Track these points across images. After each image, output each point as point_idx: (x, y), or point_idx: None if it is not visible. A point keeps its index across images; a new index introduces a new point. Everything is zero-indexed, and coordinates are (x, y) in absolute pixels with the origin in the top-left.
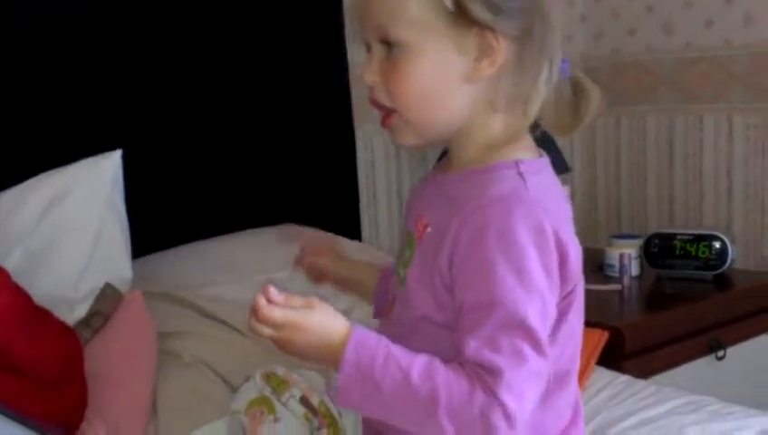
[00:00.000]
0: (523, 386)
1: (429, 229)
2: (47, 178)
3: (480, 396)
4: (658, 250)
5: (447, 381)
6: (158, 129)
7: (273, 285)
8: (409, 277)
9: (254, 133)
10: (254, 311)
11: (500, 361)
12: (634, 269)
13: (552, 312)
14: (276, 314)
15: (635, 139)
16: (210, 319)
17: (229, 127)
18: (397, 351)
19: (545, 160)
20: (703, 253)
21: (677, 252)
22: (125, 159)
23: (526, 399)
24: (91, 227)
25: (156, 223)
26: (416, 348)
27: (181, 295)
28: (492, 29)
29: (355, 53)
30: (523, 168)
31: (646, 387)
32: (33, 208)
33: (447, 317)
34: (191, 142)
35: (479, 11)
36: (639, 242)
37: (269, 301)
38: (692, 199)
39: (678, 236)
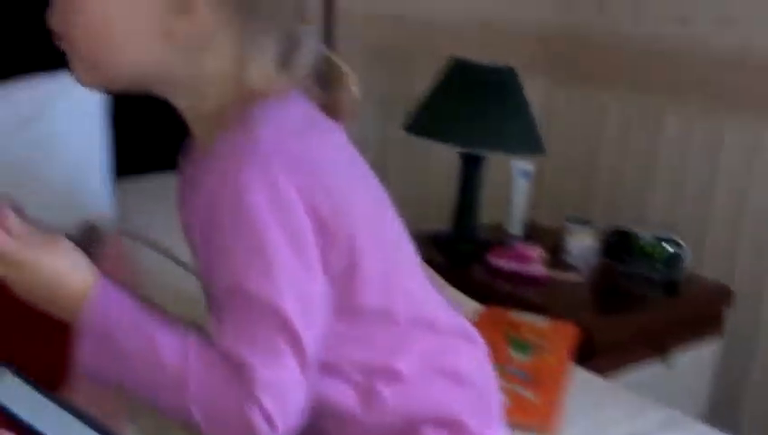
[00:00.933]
0: (283, 387)
1: (197, 229)
2: (24, 87)
3: (236, 390)
4: (617, 245)
5: (202, 364)
6: None
7: (13, 210)
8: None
9: None
10: None
11: (254, 358)
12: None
13: (315, 290)
14: (3, 246)
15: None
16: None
17: None
18: (148, 317)
19: (295, 96)
20: (660, 254)
21: (636, 250)
22: None
23: (289, 401)
24: (74, 150)
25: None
26: None
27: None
28: None
29: None
30: (255, 111)
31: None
32: (8, 119)
33: None
34: None
35: None
36: (592, 230)
37: (3, 226)
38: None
39: (640, 236)
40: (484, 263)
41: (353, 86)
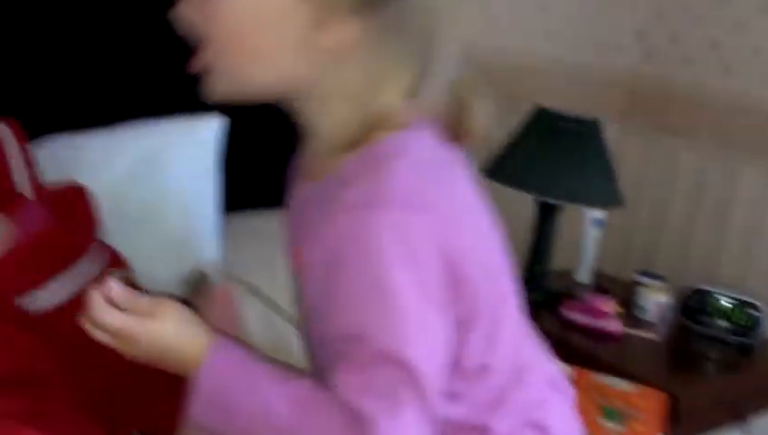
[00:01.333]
0: None
1: (308, 260)
2: (140, 133)
3: None
4: (697, 306)
5: (318, 414)
6: None
7: (117, 281)
8: (304, 315)
9: None
10: (87, 311)
11: (376, 408)
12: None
13: (441, 339)
14: (108, 320)
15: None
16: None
17: None
18: (261, 372)
19: (427, 134)
20: (738, 317)
21: (713, 311)
22: None
23: None
24: (186, 197)
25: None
26: None
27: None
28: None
29: None
30: (381, 155)
31: None
32: (123, 166)
33: None
34: None
35: None
36: (665, 285)
37: (108, 301)
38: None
39: (717, 296)
40: (557, 314)
41: (485, 108)
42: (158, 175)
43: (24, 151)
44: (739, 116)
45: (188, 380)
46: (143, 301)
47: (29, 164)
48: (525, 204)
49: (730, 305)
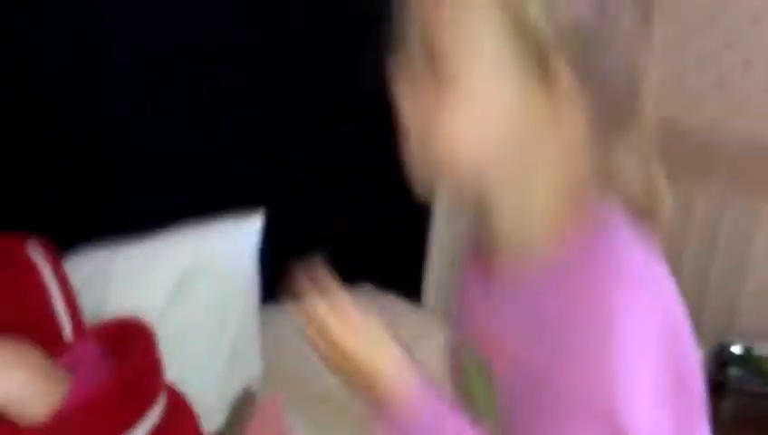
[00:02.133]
0: None
1: (515, 350)
2: (176, 244)
3: None
4: (728, 362)
5: None
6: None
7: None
8: (501, 408)
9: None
10: (323, 327)
11: None
12: None
13: (663, 428)
14: (349, 343)
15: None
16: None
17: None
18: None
19: (616, 208)
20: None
21: (753, 366)
22: None
23: None
24: (233, 312)
25: None
26: None
27: (303, 391)
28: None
29: None
30: (608, 240)
31: None
32: (161, 284)
33: None
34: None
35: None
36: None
37: (342, 318)
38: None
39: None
40: None
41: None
42: (199, 288)
43: (61, 279)
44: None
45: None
46: (372, 329)
47: (67, 294)
48: None
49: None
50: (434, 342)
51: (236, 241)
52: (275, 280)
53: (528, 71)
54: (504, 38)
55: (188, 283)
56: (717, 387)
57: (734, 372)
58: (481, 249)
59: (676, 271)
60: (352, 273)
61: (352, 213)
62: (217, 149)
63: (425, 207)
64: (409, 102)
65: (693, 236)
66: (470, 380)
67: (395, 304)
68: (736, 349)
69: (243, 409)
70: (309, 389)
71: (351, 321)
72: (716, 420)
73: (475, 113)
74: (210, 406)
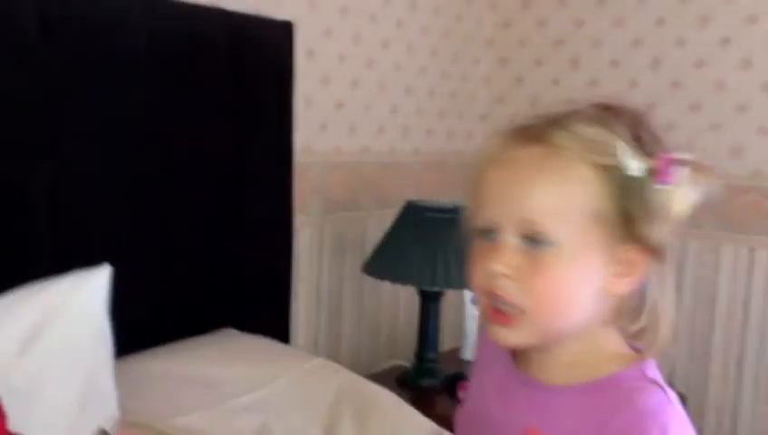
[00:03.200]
0: None
1: None
2: (24, 300)
3: None
4: None
5: None
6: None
7: None
8: None
9: (190, 227)
10: None
11: None
12: None
13: None
14: None
15: None
16: None
17: (166, 226)
18: None
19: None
20: None
21: None
22: None
23: None
24: (83, 361)
25: None
26: None
27: (163, 429)
28: (645, 247)
29: (298, 141)
30: (650, 375)
31: None
32: (11, 338)
33: None
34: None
35: (660, 233)
36: None
37: None
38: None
39: None
40: (456, 398)
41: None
42: (49, 340)
43: None
44: None
45: None
46: None
47: None
48: (408, 294)
49: None
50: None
51: (85, 294)
52: (130, 333)
53: (614, 238)
54: (599, 201)
55: (38, 336)
56: None
57: None
58: (519, 359)
59: None
60: (215, 319)
61: (208, 260)
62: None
63: (284, 249)
64: (510, 277)
65: None
66: None
67: (261, 343)
68: None
69: None
70: (161, 430)
71: None
72: None
73: (572, 280)
74: None
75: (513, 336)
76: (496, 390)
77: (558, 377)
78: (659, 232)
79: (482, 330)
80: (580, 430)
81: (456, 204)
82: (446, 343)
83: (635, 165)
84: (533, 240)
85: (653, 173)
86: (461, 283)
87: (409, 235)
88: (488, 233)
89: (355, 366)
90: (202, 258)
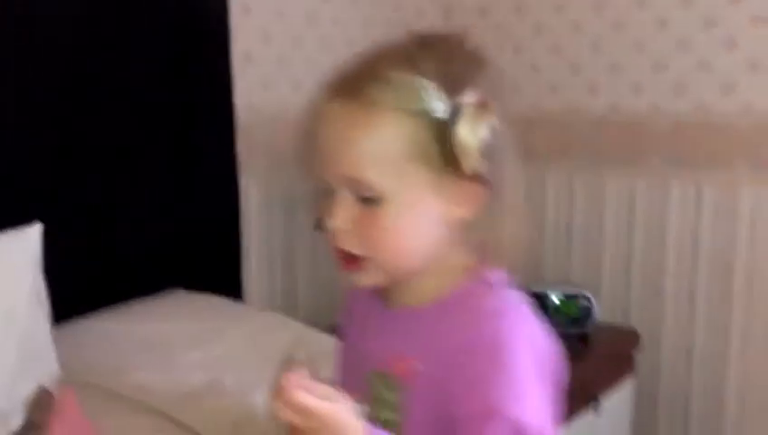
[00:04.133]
0: None
1: (421, 367)
2: None
3: None
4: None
5: None
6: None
7: (299, 365)
8: (409, 422)
9: (135, 189)
10: (280, 392)
11: None
12: None
13: (550, 426)
14: (310, 402)
15: None
16: (146, 414)
17: (111, 187)
18: None
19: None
20: (571, 311)
21: (549, 310)
22: None
23: None
24: (16, 317)
25: None
26: None
27: (109, 387)
28: (477, 178)
29: (242, 97)
30: (494, 281)
31: None
32: None
33: None
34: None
35: (475, 165)
36: None
37: (299, 385)
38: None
39: (550, 294)
40: None
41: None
42: None
43: None
44: None
45: None
46: (321, 386)
47: None
48: None
49: (560, 301)
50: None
51: (16, 252)
52: (73, 298)
53: (441, 171)
54: (416, 146)
55: None
56: None
57: None
58: (378, 293)
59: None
60: (165, 280)
61: (152, 221)
62: None
63: (232, 209)
64: (349, 231)
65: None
66: (377, 394)
67: (211, 301)
68: None
69: (39, 406)
70: (109, 389)
71: (314, 389)
72: None
73: (408, 224)
74: (2, 409)
75: (363, 279)
76: (367, 325)
77: (415, 301)
78: (472, 164)
79: (350, 300)
80: (439, 345)
81: None
82: None
83: (439, 107)
84: (364, 197)
85: (455, 112)
86: None
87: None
88: (326, 189)
89: (312, 324)
90: (145, 219)
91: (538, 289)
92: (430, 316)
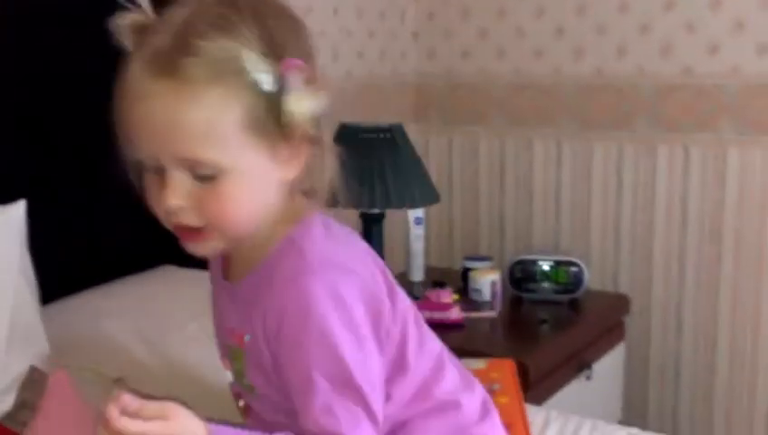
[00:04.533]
0: None
1: (248, 337)
2: None
3: None
4: (521, 275)
5: None
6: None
7: (126, 392)
8: (257, 385)
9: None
10: (105, 423)
11: (343, 428)
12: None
13: (378, 370)
14: (131, 427)
15: (467, 159)
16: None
17: (94, 166)
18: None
19: (326, 219)
20: (561, 277)
21: (539, 277)
22: None
23: None
24: (4, 295)
25: None
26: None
27: (100, 365)
28: (307, 139)
29: None
30: (296, 238)
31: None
32: None
33: None
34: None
35: (308, 131)
36: (491, 264)
37: (122, 411)
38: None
39: (540, 262)
40: None
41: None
42: None
43: None
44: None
45: None
46: (151, 406)
47: None
48: (351, 219)
49: (550, 268)
50: None
51: (1, 228)
52: (59, 277)
53: (274, 138)
54: (244, 117)
55: None
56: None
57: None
58: (225, 266)
59: (475, 205)
60: (154, 256)
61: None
62: None
63: None
64: (189, 211)
65: (483, 174)
66: (234, 365)
67: (203, 275)
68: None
69: (31, 387)
70: (100, 368)
71: (143, 409)
72: None
73: (247, 193)
74: None
75: (202, 248)
76: (216, 297)
77: (240, 274)
78: (305, 131)
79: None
80: (257, 315)
81: (392, 123)
82: (394, 267)
83: (263, 78)
84: (198, 175)
85: (280, 80)
86: (401, 202)
87: (345, 157)
88: (155, 166)
89: None
90: (129, 195)
91: (528, 257)
92: (249, 288)
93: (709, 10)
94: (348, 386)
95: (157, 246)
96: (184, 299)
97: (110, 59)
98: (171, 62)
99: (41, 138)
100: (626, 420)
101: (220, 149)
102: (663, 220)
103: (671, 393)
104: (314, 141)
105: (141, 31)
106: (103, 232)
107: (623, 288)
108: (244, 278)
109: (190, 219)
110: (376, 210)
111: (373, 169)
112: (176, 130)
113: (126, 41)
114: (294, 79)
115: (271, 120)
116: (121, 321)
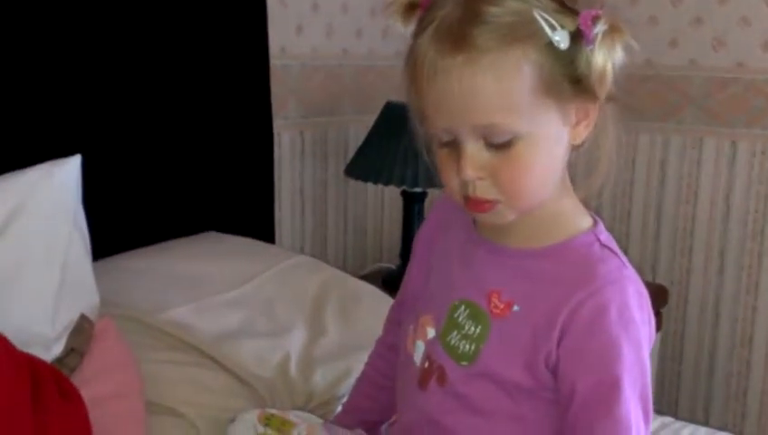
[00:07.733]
0: None
1: (516, 308)
2: None
3: None
4: None
5: None
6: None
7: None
8: (486, 354)
9: (169, 132)
10: None
11: None
12: None
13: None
14: None
15: None
16: (183, 351)
17: (146, 129)
18: None
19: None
20: None
21: None
22: None
23: None
24: (58, 246)
25: None
26: (489, 412)
27: (149, 322)
28: (593, 98)
29: (276, 42)
30: (603, 239)
31: None
32: None
33: (537, 385)
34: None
35: (610, 88)
36: None
37: None
38: None
39: None
40: None
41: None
42: (20, 230)
43: None
44: None
45: None
46: None
47: None
48: (393, 197)
49: None
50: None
51: (56, 183)
52: (110, 236)
53: (570, 99)
54: (540, 78)
55: (11, 224)
56: None
57: None
58: (479, 224)
59: None
60: (197, 224)
61: (186, 164)
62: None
63: (265, 153)
64: (484, 181)
65: None
66: (457, 322)
67: (245, 242)
68: None
69: (80, 334)
70: (147, 324)
71: None
72: None
73: (540, 157)
74: (46, 336)
75: (493, 218)
76: (457, 254)
77: (518, 242)
78: (599, 87)
79: (438, 200)
80: (538, 292)
81: None
82: None
83: (559, 35)
84: (492, 144)
85: (578, 36)
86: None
87: (391, 135)
88: (448, 141)
89: (342, 269)
90: (179, 163)
91: None
92: (534, 260)
93: (765, 4)
94: (643, 399)
95: (202, 211)
96: (225, 265)
97: (170, 15)
98: (463, 34)
99: (100, 94)
100: (658, 410)
101: (516, 113)
102: (705, 214)
103: (704, 388)
104: (610, 99)
105: (413, 7)
106: (152, 194)
107: (661, 279)
108: (526, 247)
109: (484, 192)
110: (418, 189)
111: (415, 147)
112: (473, 99)
113: (400, 21)
114: (594, 32)
115: (566, 79)
116: (166, 281)
